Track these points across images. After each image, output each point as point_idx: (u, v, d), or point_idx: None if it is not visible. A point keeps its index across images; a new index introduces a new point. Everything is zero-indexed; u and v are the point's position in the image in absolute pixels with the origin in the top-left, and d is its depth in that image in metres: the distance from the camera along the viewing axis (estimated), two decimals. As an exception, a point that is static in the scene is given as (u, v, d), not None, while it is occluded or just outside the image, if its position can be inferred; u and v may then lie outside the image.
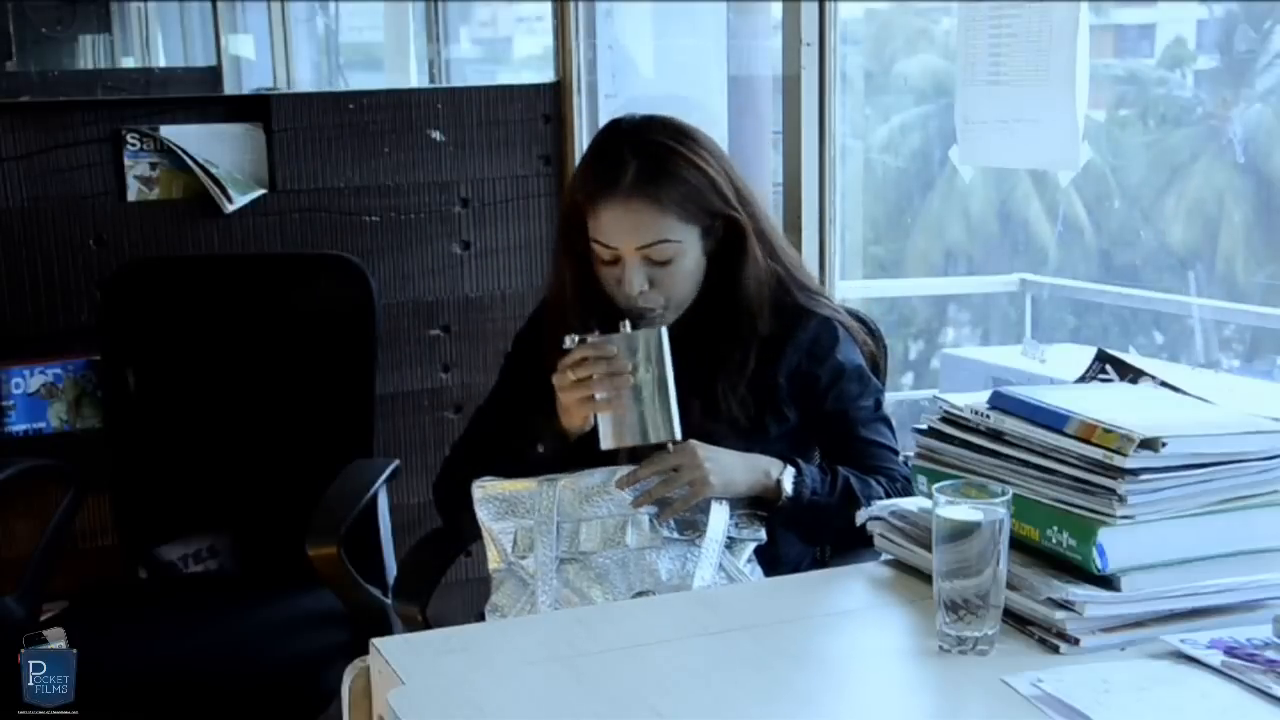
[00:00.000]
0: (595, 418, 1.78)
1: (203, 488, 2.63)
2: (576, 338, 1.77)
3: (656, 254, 1.80)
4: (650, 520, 1.76)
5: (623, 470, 1.77)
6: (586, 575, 1.74)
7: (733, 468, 1.77)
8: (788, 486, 1.78)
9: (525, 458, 1.87)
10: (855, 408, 1.91)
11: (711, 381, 1.87)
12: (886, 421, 1.94)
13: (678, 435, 1.76)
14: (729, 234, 1.87)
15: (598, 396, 1.74)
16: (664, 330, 1.77)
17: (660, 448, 1.78)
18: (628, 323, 1.78)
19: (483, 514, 1.79)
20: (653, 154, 1.81)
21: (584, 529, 1.76)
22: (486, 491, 1.79)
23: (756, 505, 1.81)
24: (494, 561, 1.80)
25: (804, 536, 1.86)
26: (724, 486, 1.76)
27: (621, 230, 1.79)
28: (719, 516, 1.76)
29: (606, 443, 1.76)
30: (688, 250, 1.83)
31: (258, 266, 2.75)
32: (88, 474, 2.53)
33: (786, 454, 1.86)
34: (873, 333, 2.05)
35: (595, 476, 1.78)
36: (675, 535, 1.75)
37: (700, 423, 1.86)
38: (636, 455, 1.82)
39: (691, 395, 1.86)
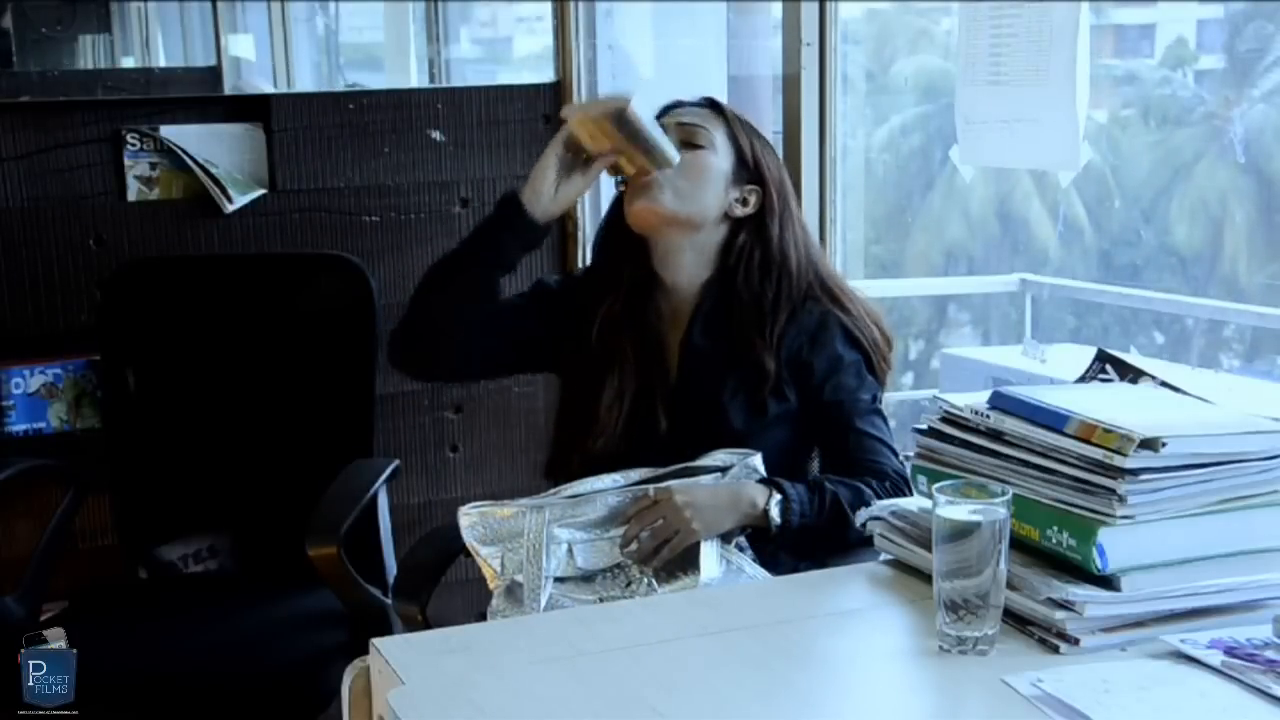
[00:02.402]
0: (559, 188, 1.90)
1: (203, 488, 2.63)
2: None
3: (691, 134, 1.93)
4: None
5: (603, 481, 1.81)
6: (585, 587, 1.75)
7: (715, 508, 1.77)
8: (775, 515, 1.78)
9: (489, 271, 1.95)
10: (852, 399, 1.92)
11: (738, 343, 1.92)
12: (882, 415, 1.96)
13: (675, 158, 1.87)
14: (764, 208, 1.96)
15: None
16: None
17: (650, 443, 1.85)
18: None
19: (469, 537, 1.80)
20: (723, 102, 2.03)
21: (579, 550, 1.76)
22: (471, 518, 1.80)
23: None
24: (490, 580, 1.81)
25: (796, 554, 1.86)
26: (708, 529, 1.75)
27: (675, 114, 1.97)
28: (710, 555, 1.75)
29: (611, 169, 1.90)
30: (718, 153, 1.94)
31: (258, 266, 2.75)
32: (88, 474, 2.53)
33: (783, 444, 1.91)
34: (889, 343, 2.06)
35: (582, 486, 1.80)
36: (670, 584, 1.75)
37: (708, 394, 1.91)
38: (620, 461, 1.86)
39: (714, 361, 1.93)
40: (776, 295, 1.94)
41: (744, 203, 1.96)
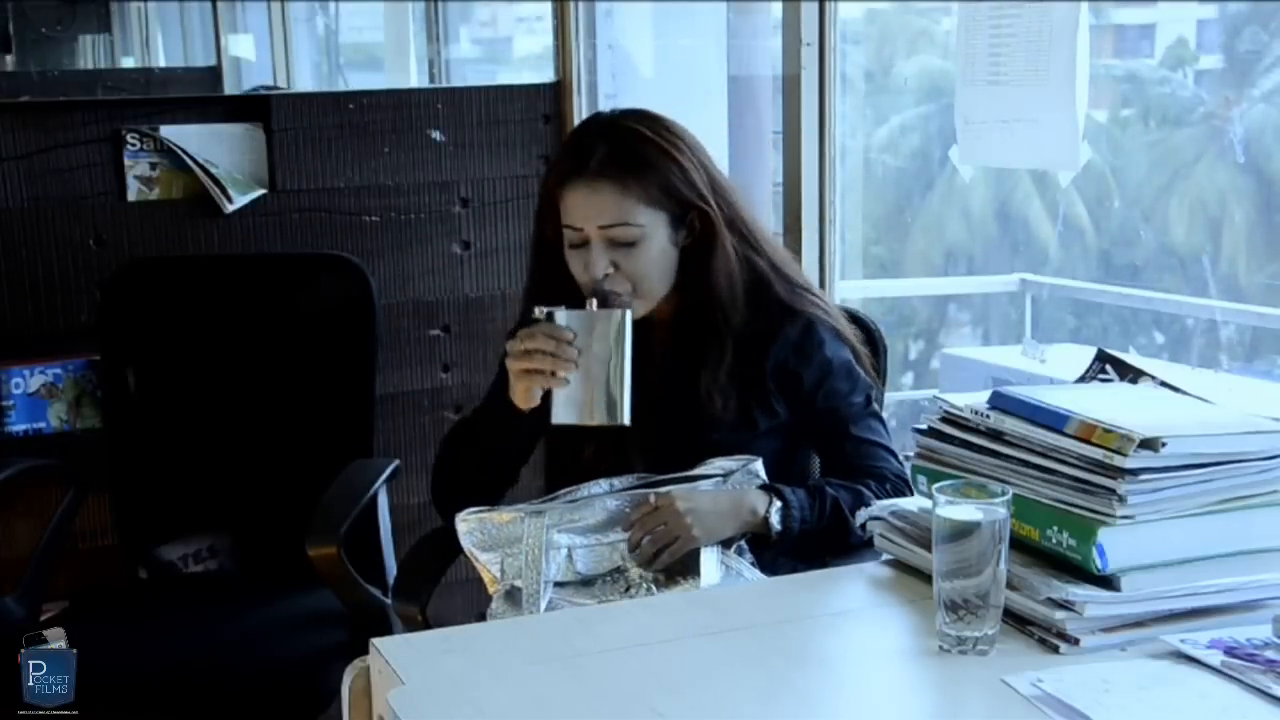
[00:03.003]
0: (549, 395, 1.80)
1: (203, 488, 2.63)
2: (546, 310, 1.78)
3: (620, 235, 1.82)
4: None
5: (602, 485, 1.80)
6: (584, 591, 1.75)
7: (715, 514, 1.76)
8: (776, 522, 1.77)
9: (493, 445, 1.90)
10: (846, 405, 1.90)
11: (695, 377, 1.88)
12: (879, 417, 1.94)
13: (625, 420, 1.76)
14: (704, 228, 1.87)
15: (539, 368, 1.76)
16: (628, 313, 1.77)
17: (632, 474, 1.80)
18: (594, 301, 1.79)
19: (468, 543, 1.80)
20: (621, 139, 1.84)
21: (578, 554, 1.76)
22: (470, 524, 1.80)
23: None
24: (490, 585, 1.81)
25: (797, 558, 1.85)
26: (708, 535, 1.74)
27: (586, 211, 1.82)
28: (710, 561, 1.74)
29: (555, 417, 1.78)
30: (653, 236, 1.84)
31: (258, 266, 2.75)
32: (88, 474, 2.53)
33: (776, 453, 1.88)
34: (870, 334, 2.04)
35: (581, 490, 1.79)
36: (670, 588, 1.74)
37: (689, 420, 1.87)
38: (610, 466, 1.84)
39: (678, 392, 1.88)
40: (726, 310, 1.88)
41: (691, 231, 1.88)
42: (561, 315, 1.77)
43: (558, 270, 1.88)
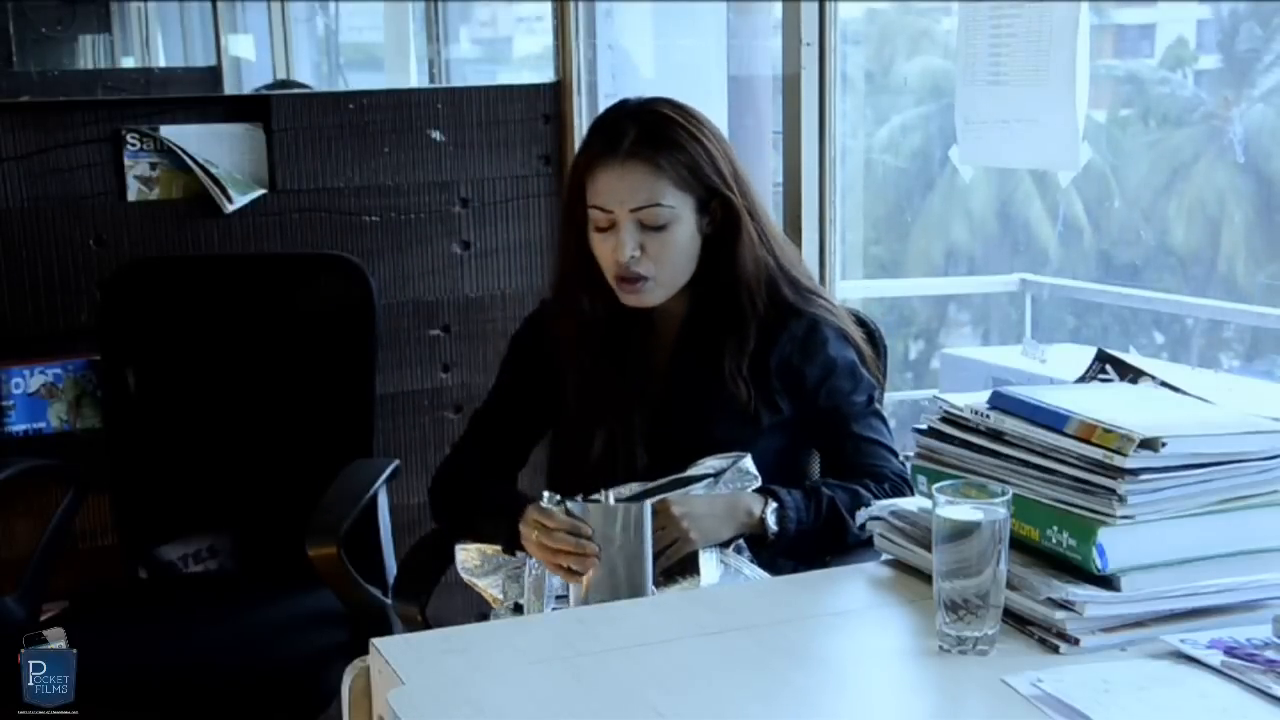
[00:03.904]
0: None
1: (203, 488, 2.63)
2: (557, 497, 1.74)
3: (649, 218, 1.83)
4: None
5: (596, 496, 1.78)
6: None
7: (712, 517, 1.76)
8: (772, 523, 1.77)
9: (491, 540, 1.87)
10: (848, 404, 1.91)
11: (705, 372, 1.88)
12: (880, 416, 1.94)
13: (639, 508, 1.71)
14: (727, 218, 1.88)
15: (559, 564, 1.72)
16: (647, 506, 1.72)
17: (631, 477, 1.80)
18: (612, 494, 1.74)
19: (465, 571, 1.80)
20: (653, 122, 1.85)
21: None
22: (469, 552, 1.80)
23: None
24: (494, 603, 1.81)
25: (795, 559, 1.85)
26: (705, 538, 1.75)
27: (617, 192, 1.83)
28: (709, 561, 1.74)
29: (572, 603, 1.73)
30: (681, 219, 1.85)
31: (258, 266, 2.75)
32: (88, 474, 2.53)
33: (779, 451, 1.89)
34: (871, 335, 2.04)
35: (576, 507, 1.78)
36: (670, 588, 1.74)
37: (696, 415, 1.88)
38: (616, 464, 1.84)
39: (686, 389, 1.89)
40: (752, 297, 1.89)
41: (714, 219, 1.88)
42: (579, 509, 1.72)
43: (586, 255, 1.89)
